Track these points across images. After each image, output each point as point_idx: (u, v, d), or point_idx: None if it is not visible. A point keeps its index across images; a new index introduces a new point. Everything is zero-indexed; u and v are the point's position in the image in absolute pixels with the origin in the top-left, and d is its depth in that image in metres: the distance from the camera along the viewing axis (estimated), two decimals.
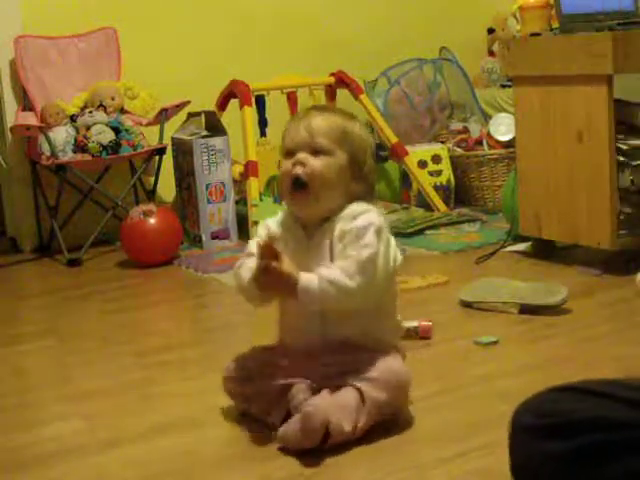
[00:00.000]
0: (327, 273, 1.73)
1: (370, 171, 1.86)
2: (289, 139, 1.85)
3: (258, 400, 1.84)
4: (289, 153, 1.83)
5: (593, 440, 1.08)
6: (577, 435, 1.09)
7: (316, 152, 1.80)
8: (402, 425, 1.81)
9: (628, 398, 1.11)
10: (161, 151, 3.71)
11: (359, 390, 1.73)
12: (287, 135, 1.86)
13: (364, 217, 1.78)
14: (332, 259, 1.79)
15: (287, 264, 1.73)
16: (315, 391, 1.77)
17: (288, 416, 1.77)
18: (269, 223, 1.89)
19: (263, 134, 3.82)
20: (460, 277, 2.88)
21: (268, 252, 1.72)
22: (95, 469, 1.75)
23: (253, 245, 1.85)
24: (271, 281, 1.73)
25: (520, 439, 1.16)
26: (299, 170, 1.79)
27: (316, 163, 1.79)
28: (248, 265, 1.82)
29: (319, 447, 1.69)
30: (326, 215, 1.82)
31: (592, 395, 1.13)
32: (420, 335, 2.34)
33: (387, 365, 1.78)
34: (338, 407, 1.70)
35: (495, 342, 2.28)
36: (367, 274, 1.73)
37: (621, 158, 2.79)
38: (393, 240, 1.85)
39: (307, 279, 1.73)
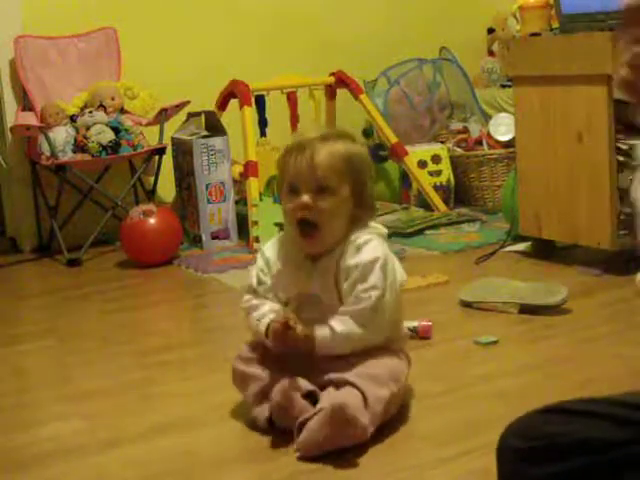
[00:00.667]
0: (340, 328, 1.77)
1: (371, 193, 1.87)
2: (293, 174, 1.81)
3: (254, 384, 1.83)
4: (293, 190, 1.81)
5: (584, 462, 1.07)
6: (566, 458, 1.08)
7: (321, 189, 1.79)
8: (402, 425, 1.81)
9: (615, 416, 1.10)
10: (161, 151, 3.71)
11: (359, 389, 1.72)
12: (289, 168, 1.82)
13: (368, 249, 1.80)
14: (339, 293, 1.81)
15: (301, 328, 1.75)
16: (306, 391, 1.76)
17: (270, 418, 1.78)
18: (267, 253, 1.90)
19: (263, 134, 3.82)
20: (460, 277, 2.88)
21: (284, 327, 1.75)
22: (95, 469, 1.75)
23: (254, 277, 1.89)
24: (290, 347, 1.78)
25: (508, 462, 1.15)
26: (307, 215, 1.79)
27: (323, 205, 1.79)
28: (260, 313, 1.85)
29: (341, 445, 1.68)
30: (332, 244, 1.83)
31: (579, 416, 1.12)
32: (420, 335, 2.34)
33: (383, 362, 1.80)
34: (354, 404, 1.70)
35: (495, 342, 2.28)
36: (377, 317, 1.79)
37: (621, 158, 2.79)
38: (396, 261, 1.88)
39: (322, 337, 1.77)
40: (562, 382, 1.98)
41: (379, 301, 1.78)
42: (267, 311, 1.86)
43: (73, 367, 2.41)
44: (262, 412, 1.80)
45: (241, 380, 1.88)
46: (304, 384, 1.78)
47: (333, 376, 1.77)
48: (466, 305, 2.59)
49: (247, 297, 1.92)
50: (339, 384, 1.75)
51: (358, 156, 1.84)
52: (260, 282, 1.89)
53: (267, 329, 1.82)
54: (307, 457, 1.68)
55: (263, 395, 1.81)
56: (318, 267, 1.83)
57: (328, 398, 1.71)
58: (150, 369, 2.32)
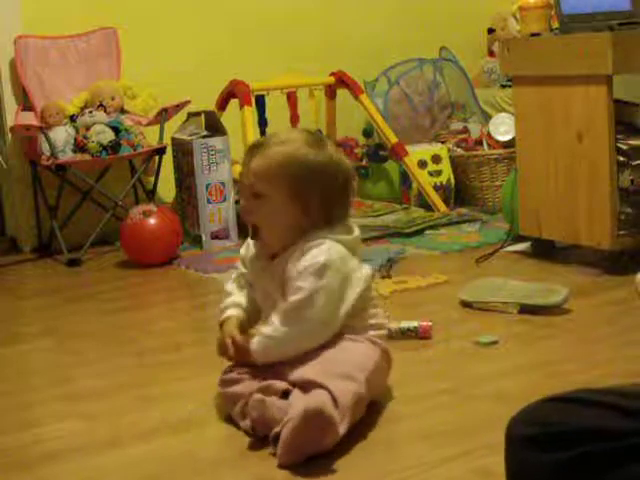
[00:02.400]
0: (268, 330, 1.85)
1: (325, 200, 1.83)
2: (241, 175, 1.93)
3: (238, 402, 1.84)
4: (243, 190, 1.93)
5: (589, 450, 1.07)
6: (573, 445, 1.09)
7: (255, 195, 1.86)
8: (402, 425, 1.81)
9: (622, 407, 1.10)
10: (161, 151, 3.71)
11: (325, 388, 1.70)
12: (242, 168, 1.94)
13: (310, 255, 1.82)
14: (284, 294, 1.86)
15: (241, 338, 1.89)
16: (278, 392, 1.77)
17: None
18: (244, 250, 2.05)
19: (263, 134, 3.82)
20: (460, 277, 2.88)
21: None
22: (95, 469, 1.75)
23: (240, 263, 2.04)
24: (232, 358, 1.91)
25: (515, 449, 1.16)
26: (247, 218, 1.92)
27: (257, 210, 1.87)
28: (226, 302, 2.00)
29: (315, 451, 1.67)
30: (281, 248, 1.88)
31: (586, 405, 1.13)
32: (420, 335, 2.33)
33: (345, 349, 1.82)
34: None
35: (495, 342, 2.28)
36: (302, 317, 1.81)
37: (621, 158, 2.79)
38: (353, 264, 1.87)
39: (255, 345, 1.85)
40: (562, 382, 1.98)
41: (303, 302, 1.80)
42: (230, 304, 1.99)
43: (73, 367, 2.41)
44: (246, 425, 1.80)
45: (227, 402, 1.90)
46: (278, 385, 1.78)
47: (296, 377, 1.77)
48: (466, 305, 2.59)
49: (233, 275, 2.07)
50: (305, 386, 1.73)
51: (301, 161, 1.82)
52: (241, 270, 2.03)
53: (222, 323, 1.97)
54: (287, 465, 1.65)
55: (245, 410, 1.82)
56: (272, 267, 1.90)
57: (299, 403, 1.69)
58: (150, 369, 2.32)
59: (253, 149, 1.87)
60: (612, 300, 2.59)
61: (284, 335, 1.82)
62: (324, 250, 1.81)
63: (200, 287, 3.16)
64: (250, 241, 2.00)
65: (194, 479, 1.69)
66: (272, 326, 1.84)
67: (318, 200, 1.83)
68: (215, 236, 3.66)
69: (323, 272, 1.80)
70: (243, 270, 2.03)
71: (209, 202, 3.64)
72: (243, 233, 3.63)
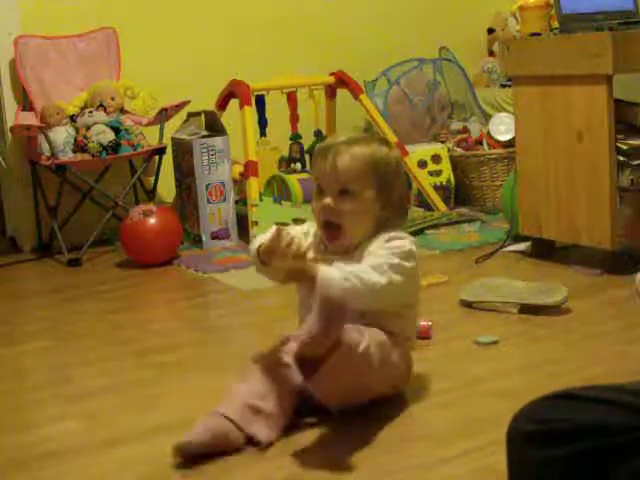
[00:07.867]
0: (351, 267, 1.78)
1: (401, 196, 1.92)
2: (318, 175, 1.90)
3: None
4: (320, 191, 1.89)
5: (590, 446, 1.08)
6: (577, 441, 1.09)
7: (343, 192, 1.85)
8: (402, 424, 1.81)
9: (627, 403, 1.11)
10: (161, 151, 3.71)
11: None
12: (316, 168, 1.91)
13: (397, 240, 1.86)
14: None
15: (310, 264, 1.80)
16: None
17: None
18: (312, 230, 1.96)
19: (263, 134, 3.82)
20: (460, 277, 2.88)
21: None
22: (95, 469, 1.75)
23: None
24: (293, 274, 1.78)
25: (517, 446, 1.16)
26: (330, 217, 1.86)
27: (346, 207, 1.85)
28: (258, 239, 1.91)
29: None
30: (357, 243, 1.89)
31: (590, 401, 1.13)
32: (420, 335, 2.33)
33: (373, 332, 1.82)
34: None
35: (495, 342, 2.28)
36: (399, 273, 1.81)
37: (621, 158, 2.79)
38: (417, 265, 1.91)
39: (327, 269, 1.74)
40: (562, 382, 1.97)
41: (401, 262, 1.81)
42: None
43: (73, 367, 2.41)
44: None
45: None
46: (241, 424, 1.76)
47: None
48: (466, 305, 2.59)
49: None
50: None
51: (383, 159, 1.89)
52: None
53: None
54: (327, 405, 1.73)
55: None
56: (349, 259, 1.87)
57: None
58: (150, 369, 2.31)
59: (326, 151, 1.88)
60: (612, 300, 2.59)
61: (374, 282, 1.76)
62: (407, 240, 1.88)
63: (200, 287, 3.16)
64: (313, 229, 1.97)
65: (194, 479, 1.69)
66: (363, 267, 1.78)
67: (396, 195, 1.90)
68: (215, 236, 3.66)
69: (409, 257, 1.85)
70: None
71: (209, 202, 3.64)
72: (243, 234, 3.63)
